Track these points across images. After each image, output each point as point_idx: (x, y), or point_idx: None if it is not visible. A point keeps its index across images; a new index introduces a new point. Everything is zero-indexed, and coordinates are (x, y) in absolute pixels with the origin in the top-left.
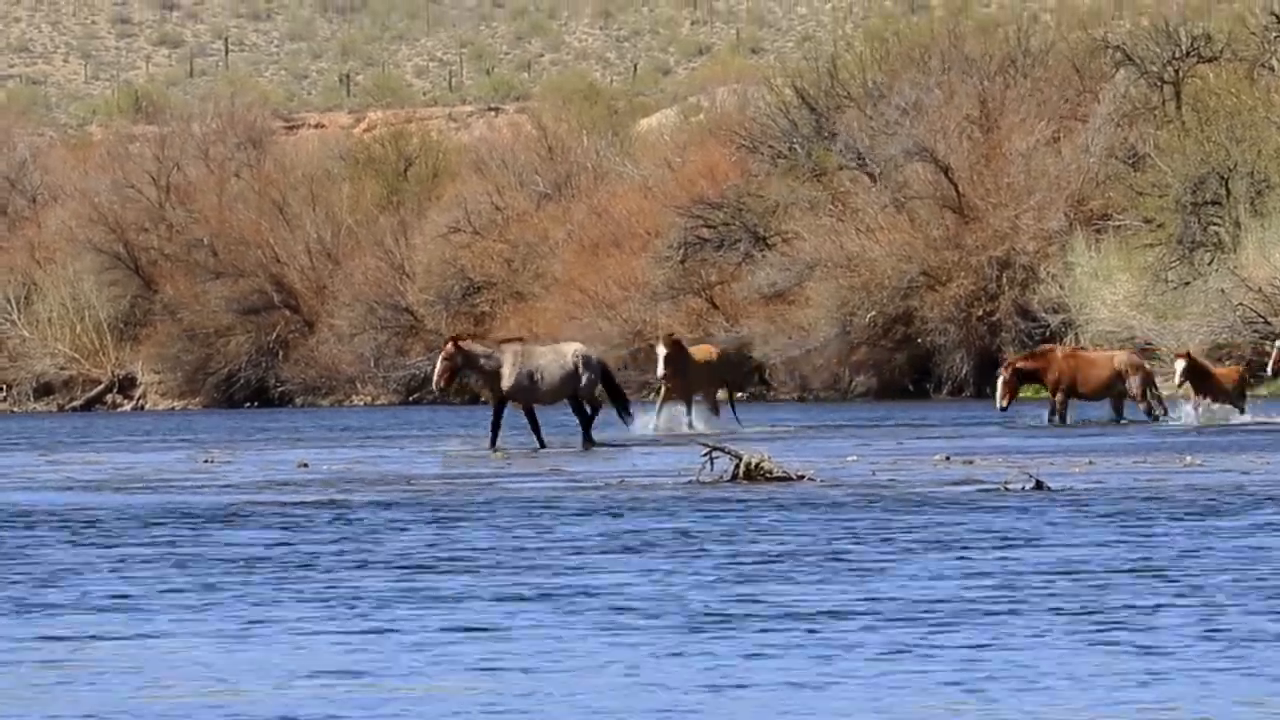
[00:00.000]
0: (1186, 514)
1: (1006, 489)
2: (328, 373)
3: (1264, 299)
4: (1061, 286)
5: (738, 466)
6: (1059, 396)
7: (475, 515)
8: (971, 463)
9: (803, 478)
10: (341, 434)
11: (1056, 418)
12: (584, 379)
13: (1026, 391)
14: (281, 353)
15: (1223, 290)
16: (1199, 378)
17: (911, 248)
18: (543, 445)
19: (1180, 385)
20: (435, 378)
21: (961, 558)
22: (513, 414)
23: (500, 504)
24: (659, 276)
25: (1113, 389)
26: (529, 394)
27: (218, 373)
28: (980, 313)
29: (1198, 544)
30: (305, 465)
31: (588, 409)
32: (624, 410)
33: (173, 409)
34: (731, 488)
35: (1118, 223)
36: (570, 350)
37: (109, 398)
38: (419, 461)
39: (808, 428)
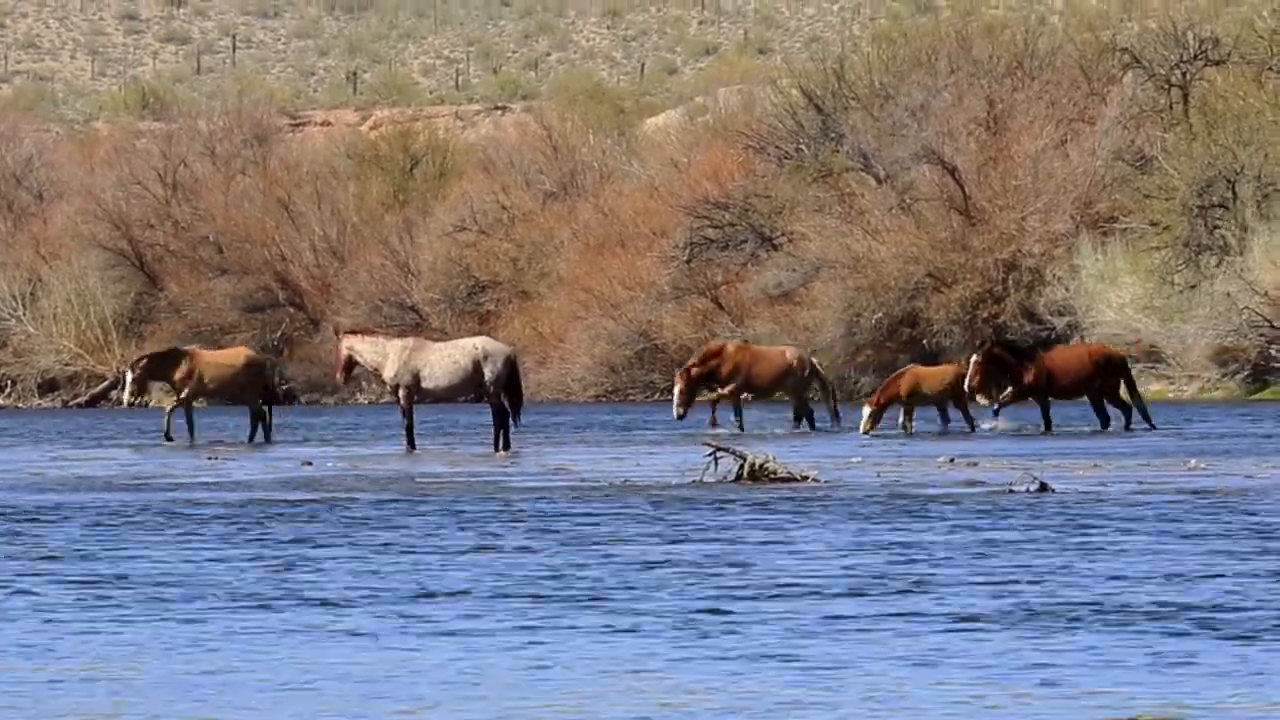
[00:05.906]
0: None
1: (1011, 491)
2: (332, 370)
3: (1270, 303)
4: (1067, 289)
5: (742, 467)
6: (731, 390)
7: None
8: (975, 464)
9: (807, 479)
10: (345, 432)
11: (736, 420)
12: (488, 372)
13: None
14: (286, 350)
15: (1229, 294)
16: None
17: (918, 249)
18: (413, 448)
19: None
20: (336, 373)
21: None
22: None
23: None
24: (665, 276)
25: (784, 383)
26: (414, 392)
27: None
28: (986, 315)
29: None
30: (309, 464)
31: (506, 405)
32: (515, 412)
33: None
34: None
35: (1124, 225)
36: (471, 344)
37: (113, 394)
38: (423, 460)
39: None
